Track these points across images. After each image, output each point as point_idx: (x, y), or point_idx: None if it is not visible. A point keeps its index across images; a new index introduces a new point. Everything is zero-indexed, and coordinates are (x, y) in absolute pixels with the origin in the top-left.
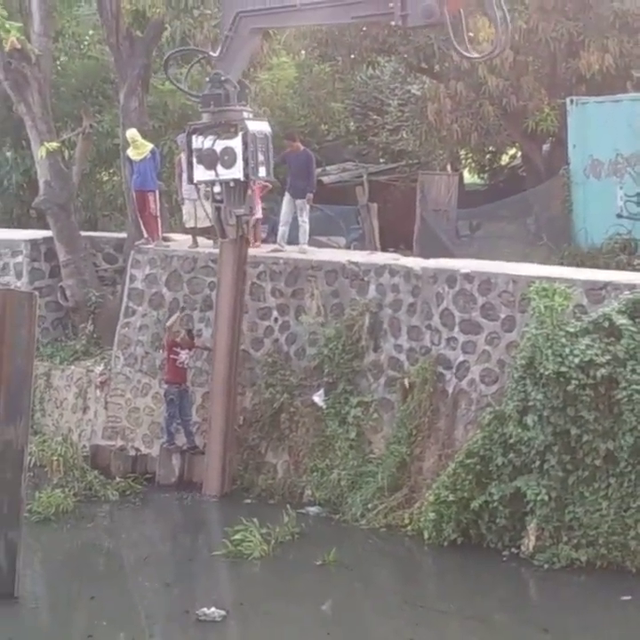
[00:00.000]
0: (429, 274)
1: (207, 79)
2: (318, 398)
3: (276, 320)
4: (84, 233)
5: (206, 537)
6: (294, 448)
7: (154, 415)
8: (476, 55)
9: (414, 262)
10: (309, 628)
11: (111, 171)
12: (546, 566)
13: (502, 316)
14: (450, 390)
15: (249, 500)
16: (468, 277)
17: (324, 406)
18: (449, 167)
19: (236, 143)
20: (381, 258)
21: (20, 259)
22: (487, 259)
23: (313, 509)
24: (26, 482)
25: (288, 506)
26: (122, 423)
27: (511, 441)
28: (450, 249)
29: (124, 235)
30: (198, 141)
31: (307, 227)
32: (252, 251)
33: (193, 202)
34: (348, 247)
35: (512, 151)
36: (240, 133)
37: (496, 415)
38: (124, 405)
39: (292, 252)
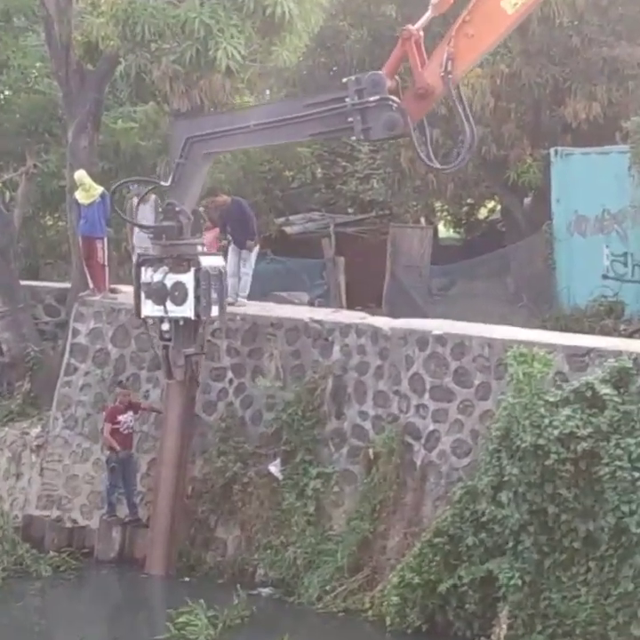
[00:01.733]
0: (399, 335)
1: (159, 210)
2: (274, 468)
3: (230, 382)
4: (23, 282)
5: (148, 619)
6: (247, 522)
7: (94, 483)
8: (440, 166)
9: (383, 322)
10: None
11: (56, 215)
12: None
13: (476, 382)
14: (418, 462)
15: (195, 579)
16: (441, 340)
17: (281, 477)
18: (423, 220)
19: (188, 279)
20: (347, 316)
21: None
22: (462, 319)
23: (265, 590)
24: None
25: (238, 586)
26: (58, 491)
27: (483, 519)
28: (422, 308)
29: (67, 285)
30: (147, 274)
31: (248, 279)
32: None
33: (145, 250)
34: (311, 304)
35: (491, 204)
36: (192, 269)
37: (468, 490)
38: (62, 472)
39: (249, 307)
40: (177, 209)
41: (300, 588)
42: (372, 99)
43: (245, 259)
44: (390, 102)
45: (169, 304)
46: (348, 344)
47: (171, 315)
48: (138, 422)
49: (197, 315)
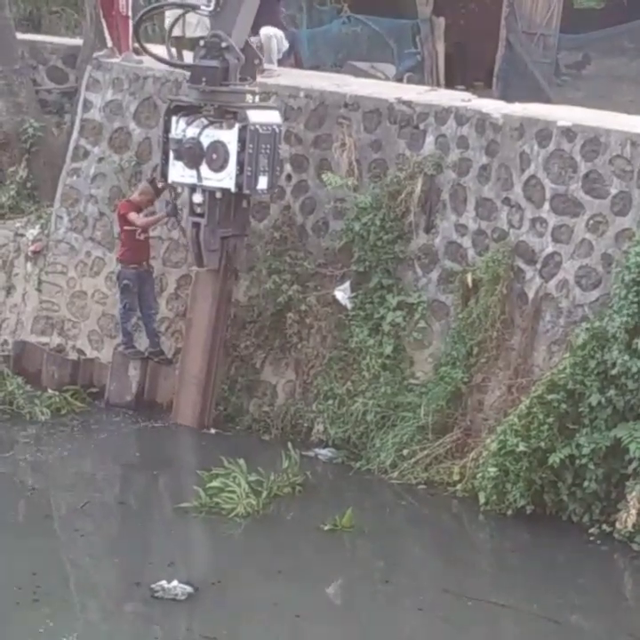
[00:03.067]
0: (513, 124)
1: (200, 43)
2: (342, 294)
3: (288, 178)
4: (20, 35)
5: (171, 482)
6: (303, 364)
7: (106, 304)
8: None
9: (493, 106)
10: (307, 618)
11: None
12: None
13: (613, 191)
14: (531, 294)
15: (234, 434)
16: (569, 133)
17: (350, 306)
18: None
19: (231, 138)
20: (446, 97)
21: None
22: (597, 107)
23: (324, 452)
24: None
25: (289, 445)
26: (60, 313)
27: (613, 372)
28: (545, 90)
29: (78, 41)
30: (179, 127)
31: (281, 38)
32: (260, 78)
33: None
34: (399, 79)
35: None
36: (237, 125)
37: (594, 334)
38: (66, 288)
39: (317, 80)
40: (224, 44)
41: (370, 450)
42: None
43: None
44: None
45: (204, 169)
46: (446, 134)
47: (205, 184)
48: (165, 227)
49: (239, 186)
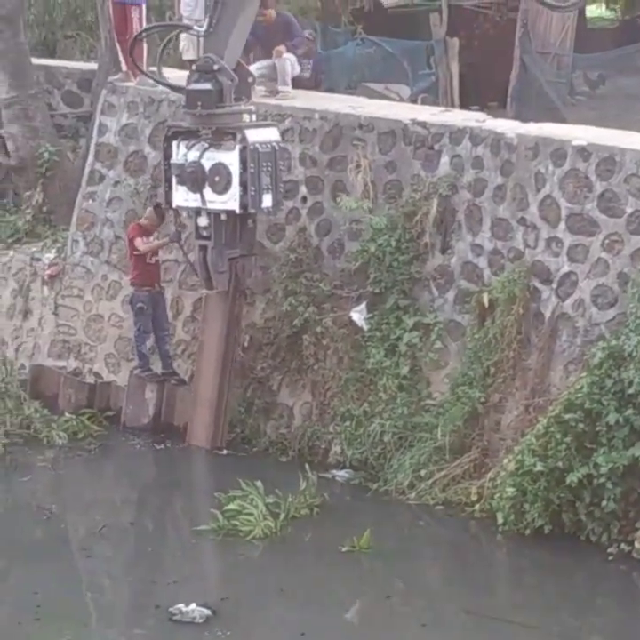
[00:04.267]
0: (528, 144)
1: (193, 67)
2: (358, 315)
3: (303, 200)
4: (36, 60)
5: (188, 504)
6: (320, 385)
7: (123, 327)
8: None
9: (507, 126)
10: None
11: None
12: None
13: (629, 210)
14: (547, 314)
15: (251, 456)
16: (584, 153)
17: (366, 327)
18: None
19: (232, 159)
20: (460, 118)
21: None
22: (613, 127)
23: (342, 474)
24: None
25: (307, 466)
26: (77, 336)
27: (631, 391)
28: (560, 110)
29: (93, 66)
30: (180, 152)
31: (293, 62)
32: (275, 101)
33: (194, 22)
34: (413, 100)
35: None
36: (237, 146)
37: (611, 353)
38: (82, 311)
39: (332, 102)
40: (215, 66)
41: (387, 472)
42: None
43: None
44: None
45: (208, 192)
46: (461, 155)
47: (210, 206)
48: (181, 250)
49: (244, 207)
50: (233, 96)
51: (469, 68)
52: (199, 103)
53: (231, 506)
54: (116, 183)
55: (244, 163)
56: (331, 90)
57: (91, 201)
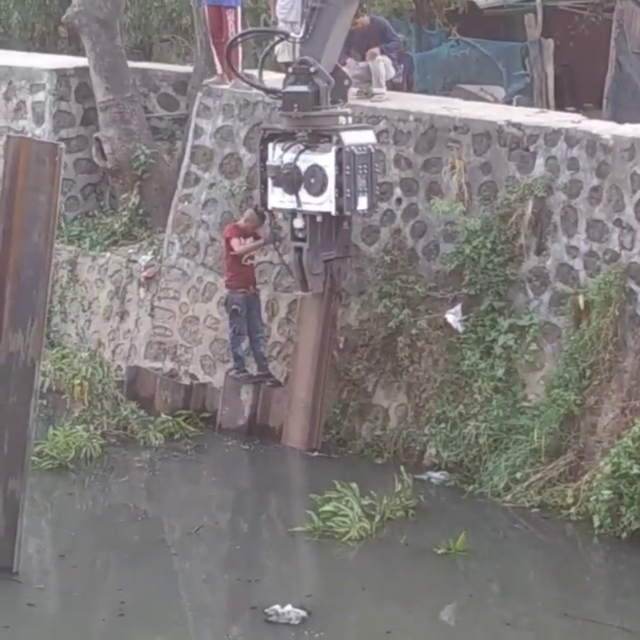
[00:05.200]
0: (624, 145)
1: (289, 70)
2: (453, 317)
3: (398, 202)
4: (132, 63)
5: (284, 506)
6: (415, 387)
7: (219, 329)
8: None
9: (603, 127)
10: None
11: None
12: None
13: None
14: None
15: (346, 458)
16: None
17: (461, 329)
18: None
19: (328, 161)
20: (556, 119)
21: (41, 96)
22: None
23: (437, 475)
24: (36, 412)
25: (402, 468)
26: (173, 338)
27: None
28: None
29: (189, 69)
30: (276, 154)
31: (387, 64)
32: (369, 103)
33: (290, 25)
34: (508, 102)
35: None
36: (333, 148)
37: None
38: (178, 313)
39: (426, 103)
40: (312, 69)
41: (483, 474)
42: None
43: None
44: None
45: (303, 194)
46: (556, 156)
47: (305, 208)
48: (277, 251)
49: (340, 209)
50: (329, 98)
51: (564, 69)
52: (295, 105)
53: (327, 507)
54: (212, 185)
55: (339, 165)
56: (425, 91)
57: (186, 203)
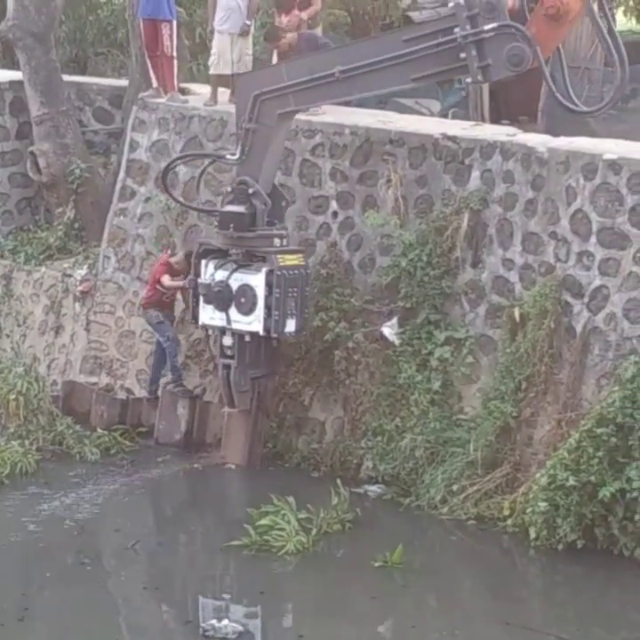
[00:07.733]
0: (559, 158)
1: (228, 189)
2: (389, 331)
3: (334, 215)
4: (67, 77)
5: (220, 520)
6: (351, 400)
7: (154, 343)
8: (585, 109)
9: (538, 140)
10: None
11: None
12: None
13: None
14: (578, 328)
15: (283, 471)
16: (615, 167)
17: (397, 342)
18: (595, 5)
19: (259, 282)
20: (491, 132)
21: None
22: None
23: (374, 489)
24: None
25: (339, 481)
26: (109, 352)
27: None
28: (590, 124)
29: (124, 82)
30: (208, 271)
31: None
32: (305, 116)
33: (229, 37)
34: (443, 115)
35: None
36: (264, 269)
37: None
38: (114, 327)
39: (362, 117)
40: (251, 190)
41: (419, 486)
42: (488, 27)
43: None
44: (513, 30)
45: (233, 312)
46: (491, 169)
47: (234, 327)
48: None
49: (268, 330)
50: (265, 219)
51: (499, 83)
52: (232, 225)
53: (263, 521)
54: (148, 199)
55: (269, 286)
56: (361, 105)
57: (122, 217)
